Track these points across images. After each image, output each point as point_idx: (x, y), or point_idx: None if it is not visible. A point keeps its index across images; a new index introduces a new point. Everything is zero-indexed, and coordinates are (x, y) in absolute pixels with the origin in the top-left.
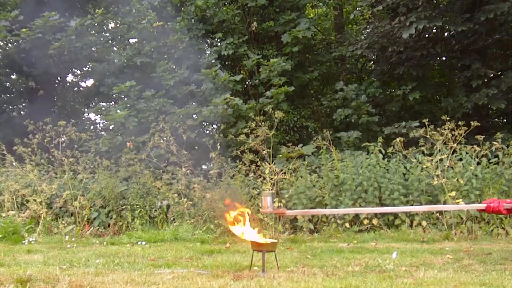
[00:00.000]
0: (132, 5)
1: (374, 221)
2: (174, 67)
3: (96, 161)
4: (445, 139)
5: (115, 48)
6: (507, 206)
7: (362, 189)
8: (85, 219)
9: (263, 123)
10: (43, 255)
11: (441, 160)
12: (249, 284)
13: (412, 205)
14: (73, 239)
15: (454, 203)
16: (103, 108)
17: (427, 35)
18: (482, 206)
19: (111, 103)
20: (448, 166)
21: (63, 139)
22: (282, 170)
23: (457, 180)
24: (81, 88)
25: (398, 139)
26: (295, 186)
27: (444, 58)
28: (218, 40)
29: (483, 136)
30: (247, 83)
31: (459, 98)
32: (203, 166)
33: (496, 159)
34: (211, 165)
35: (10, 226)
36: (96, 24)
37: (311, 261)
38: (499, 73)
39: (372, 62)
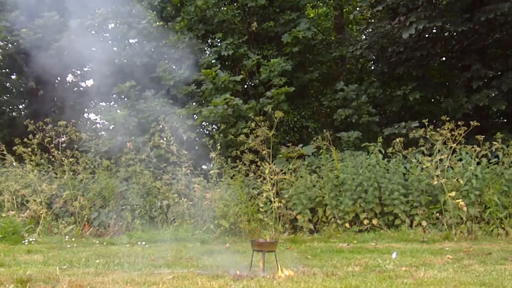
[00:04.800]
0: (132, 5)
1: (374, 221)
2: (174, 67)
3: (96, 161)
4: (445, 139)
5: (115, 48)
6: None
7: (362, 189)
8: (85, 219)
9: (263, 123)
10: (43, 255)
11: (441, 160)
12: (249, 284)
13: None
14: (73, 239)
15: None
16: (103, 108)
17: (427, 35)
18: None
19: (111, 103)
20: (448, 166)
21: (63, 139)
22: (282, 170)
23: (457, 180)
24: (81, 88)
25: (398, 139)
26: (295, 186)
27: (444, 58)
28: (218, 40)
29: (483, 136)
30: (247, 83)
31: (459, 99)
32: (203, 166)
33: (496, 159)
34: (211, 165)
35: (10, 226)
36: (96, 24)
37: (311, 261)
38: (499, 73)
39: (372, 62)
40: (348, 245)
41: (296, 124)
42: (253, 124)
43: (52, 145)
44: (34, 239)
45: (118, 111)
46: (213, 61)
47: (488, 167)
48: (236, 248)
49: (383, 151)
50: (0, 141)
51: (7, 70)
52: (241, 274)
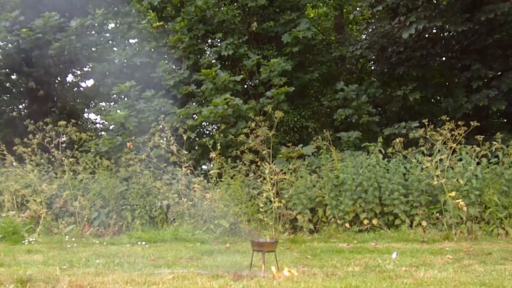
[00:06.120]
0: (132, 5)
1: (374, 221)
2: (174, 67)
3: (96, 161)
4: (445, 139)
5: (115, 48)
6: None
7: (362, 189)
8: (85, 219)
9: (263, 123)
10: (43, 255)
11: (441, 160)
12: (249, 284)
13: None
14: (73, 239)
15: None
16: (103, 108)
17: (427, 35)
18: None
19: (111, 103)
20: (448, 166)
21: (63, 139)
22: (282, 170)
23: (457, 180)
24: (81, 88)
25: (398, 139)
26: (295, 186)
27: (444, 58)
28: (218, 40)
29: (483, 136)
30: (247, 83)
31: (459, 99)
32: (203, 166)
33: (496, 159)
34: (211, 165)
35: (10, 226)
36: (96, 24)
37: (311, 261)
38: (499, 73)
39: (372, 62)
40: (348, 245)
41: (296, 124)
42: (253, 124)
43: (52, 145)
44: (34, 239)
45: (118, 111)
46: (213, 61)
47: (488, 167)
48: (236, 248)
49: (383, 151)
50: (0, 141)
51: (7, 70)
52: (241, 274)
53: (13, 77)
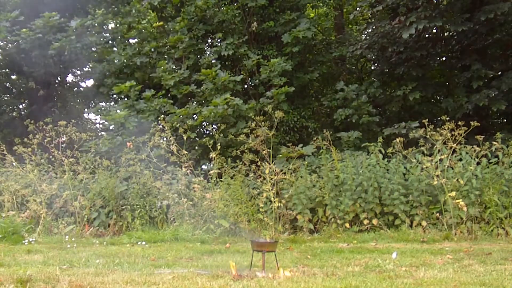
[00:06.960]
0: (132, 5)
1: (374, 221)
2: (174, 67)
3: (96, 161)
4: (445, 139)
5: (115, 48)
6: None
7: (362, 189)
8: (85, 219)
9: (263, 123)
10: (43, 255)
11: (441, 160)
12: (249, 284)
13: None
14: (73, 239)
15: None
16: (103, 108)
17: (427, 35)
18: None
19: (111, 103)
20: (448, 166)
21: (63, 139)
22: (282, 170)
23: (457, 180)
24: (81, 88)
25: (398, 139)
26: (295, 186)
27: (444, 58)
28: (218, 40)
29: (483, 136)
30: (247, 83)
31: (459, 99)
32: (203, 166)
33: (496, 159)
34: (211, 165)
35: (10, 226)
36: (96, 24)
37: (311, 261)
38: (499, 73)
39: (372, 62)
40: (348, 245)
41: (296, 124)
42: (253, 124)
43: (52, 145)
44: (34, 239)
45: (118, 111)
46: (213, 61)
47: (488, 167)
48: (236, 248)
49: (383, 151)
50: (0, 141)
51: (7, 70)
52: (241, 274)
53: (13, 77)
